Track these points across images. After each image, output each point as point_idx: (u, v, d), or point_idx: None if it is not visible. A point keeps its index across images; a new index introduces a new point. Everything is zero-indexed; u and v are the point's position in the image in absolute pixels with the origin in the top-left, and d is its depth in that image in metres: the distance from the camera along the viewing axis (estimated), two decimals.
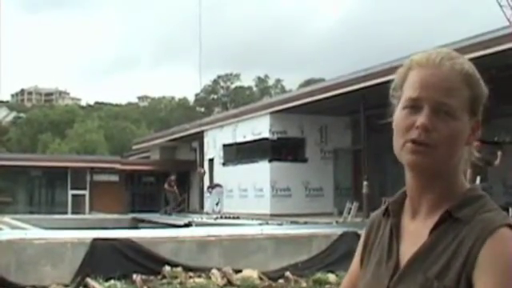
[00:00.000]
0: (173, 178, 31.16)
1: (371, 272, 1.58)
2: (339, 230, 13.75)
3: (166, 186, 31.22)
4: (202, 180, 32.88)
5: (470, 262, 1.37)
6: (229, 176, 29.24)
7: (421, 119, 1.46)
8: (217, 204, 29.18)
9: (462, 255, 1.39)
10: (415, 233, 1.51)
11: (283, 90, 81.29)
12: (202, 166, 32.84)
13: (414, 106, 1.48)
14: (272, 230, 15.36)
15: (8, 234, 13.14)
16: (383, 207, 1.64)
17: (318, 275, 11.48)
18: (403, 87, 1.53)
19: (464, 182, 1.53)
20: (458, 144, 1.48)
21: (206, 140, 32.50)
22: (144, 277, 10.99)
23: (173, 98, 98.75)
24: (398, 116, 1.51)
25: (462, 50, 15.15)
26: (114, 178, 36.59)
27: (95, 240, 11.49)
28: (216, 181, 30.41)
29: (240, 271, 11.49)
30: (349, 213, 21.70)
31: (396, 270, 1.49)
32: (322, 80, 41.53)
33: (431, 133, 1.45)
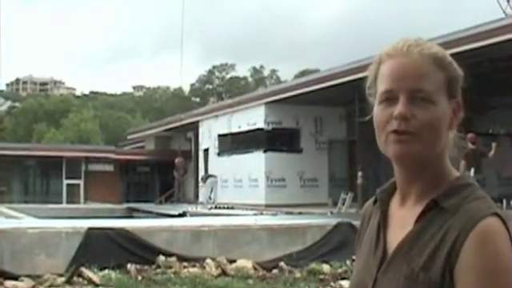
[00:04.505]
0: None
1: (362, 262, 1.58)
2: (334, 221, 13.75)
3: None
4: (182, 169, 33.00)
5: (454, 256, 1.37)
6: (224, 166, 29.17)
7: (397, 109, 1.45)
8: (210, 196, 29.12)
9: (447, 247, 1.39)
10: (402, 221, 1.51)
11: (278, 81, 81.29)
12: (181, 156, 33.02)
13: (390, 98, 1.48)
14: (266, 220, 15.39)
15: (2, 223, 13.08)
16: (374, 197, 1.64)
17: (313, 265, 11.48)
18: (377, 82, 1.54)
19: (452, 170, 1.53)
20: (440, 128, 1.47)
21: (201, 130, 32.45)
22: (138, 266, 11.00)
23: (168, 87, 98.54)
24: (376, 111, 1.51)
25: (457, 42, 15.11)
26: (109, 167, 36.55)
27: (90, 229, 11.49)
28: (211, 171, 30.38)
29: (234, 261, 11.50)
30: (343, 203, 21.71)
31: (383, 260, 1.49)
32: (317, 71, 41.47)
33: (410, 121, 1.44)
